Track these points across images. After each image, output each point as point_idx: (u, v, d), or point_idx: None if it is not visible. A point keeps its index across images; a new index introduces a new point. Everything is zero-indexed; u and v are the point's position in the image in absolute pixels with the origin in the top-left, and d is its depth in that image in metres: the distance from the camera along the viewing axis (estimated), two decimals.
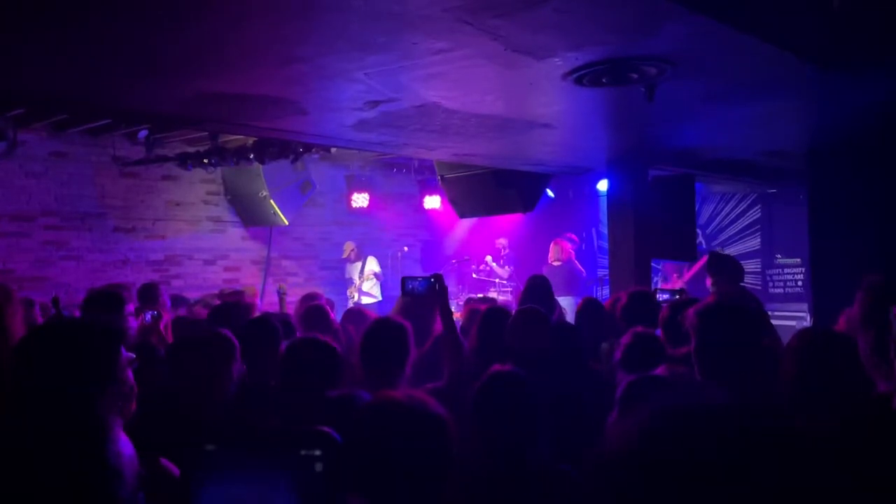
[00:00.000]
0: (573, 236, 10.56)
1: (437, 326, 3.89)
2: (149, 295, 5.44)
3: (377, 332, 3.14)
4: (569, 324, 3.92)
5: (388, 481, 1.70)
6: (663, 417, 0.87)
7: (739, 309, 2.58)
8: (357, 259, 10.19)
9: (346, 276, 10.35)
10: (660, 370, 2.08)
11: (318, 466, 1.13)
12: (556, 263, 9.94)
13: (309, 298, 5.51)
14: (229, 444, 1.17)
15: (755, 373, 2.34)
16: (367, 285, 10.05)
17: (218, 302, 5.24)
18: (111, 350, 1.88)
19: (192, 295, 7.07)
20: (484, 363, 2.61)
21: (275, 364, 3.20)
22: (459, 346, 3.36)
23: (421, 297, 3.53)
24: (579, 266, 10.10)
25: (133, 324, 4.10)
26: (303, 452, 1.13)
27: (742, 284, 5.35)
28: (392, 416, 1.79)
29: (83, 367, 1.80)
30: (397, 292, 3.96)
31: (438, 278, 3.45)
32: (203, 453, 1.15)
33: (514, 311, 3.78)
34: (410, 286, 3.50)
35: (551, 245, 10.01)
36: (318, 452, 1.13)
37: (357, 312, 5.49)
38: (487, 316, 3.71)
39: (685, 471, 0.80)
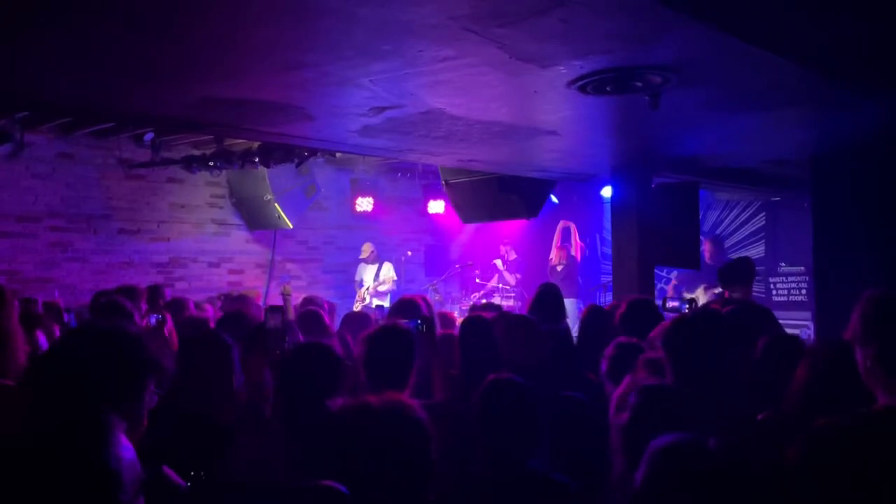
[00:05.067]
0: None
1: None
2: (154, 298, 5.46)
3: (382, 338, 2.96)
4: (562, 330, 3.88)
5: (368, 485, 1.68)
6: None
7: (713, 319, 2.62)
8: (374, 262, 10.02)
9: (357, 277, 10.15)
10: (641, 380, 2.13)
11: None
12: (559, 268, 9.94)
13: (306, 303, 5.50)
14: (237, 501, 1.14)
15: (729, 381, 2.38)
16: (383, 290, 9.84)
17: (209, 308, 5.26)
18: (143, 375, 1.83)
19: (196, 298, 7.10)
20: (471, 374, 2.60)
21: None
22: (450, 381, 3.26)
23: None
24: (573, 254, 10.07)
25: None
26: None
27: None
28: (371, 419, 1.78)
29: (110, 379, 1.76)
30: None
31: (427, 322, 3.28)
32: None
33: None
34: None
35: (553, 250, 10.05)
36: None
37: (356, 318, 5.41)
38: (463, 328, 3.55)
39: None
